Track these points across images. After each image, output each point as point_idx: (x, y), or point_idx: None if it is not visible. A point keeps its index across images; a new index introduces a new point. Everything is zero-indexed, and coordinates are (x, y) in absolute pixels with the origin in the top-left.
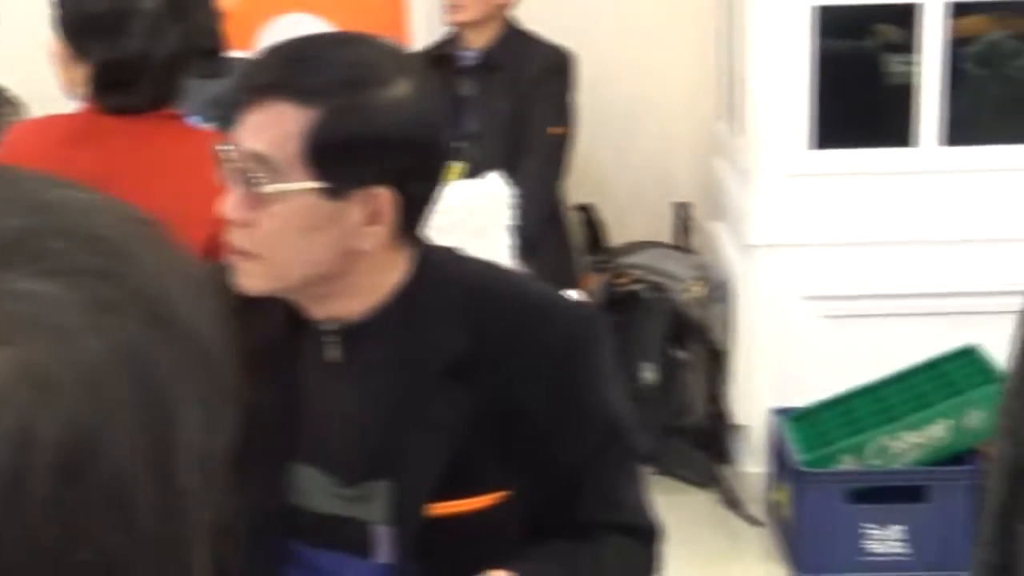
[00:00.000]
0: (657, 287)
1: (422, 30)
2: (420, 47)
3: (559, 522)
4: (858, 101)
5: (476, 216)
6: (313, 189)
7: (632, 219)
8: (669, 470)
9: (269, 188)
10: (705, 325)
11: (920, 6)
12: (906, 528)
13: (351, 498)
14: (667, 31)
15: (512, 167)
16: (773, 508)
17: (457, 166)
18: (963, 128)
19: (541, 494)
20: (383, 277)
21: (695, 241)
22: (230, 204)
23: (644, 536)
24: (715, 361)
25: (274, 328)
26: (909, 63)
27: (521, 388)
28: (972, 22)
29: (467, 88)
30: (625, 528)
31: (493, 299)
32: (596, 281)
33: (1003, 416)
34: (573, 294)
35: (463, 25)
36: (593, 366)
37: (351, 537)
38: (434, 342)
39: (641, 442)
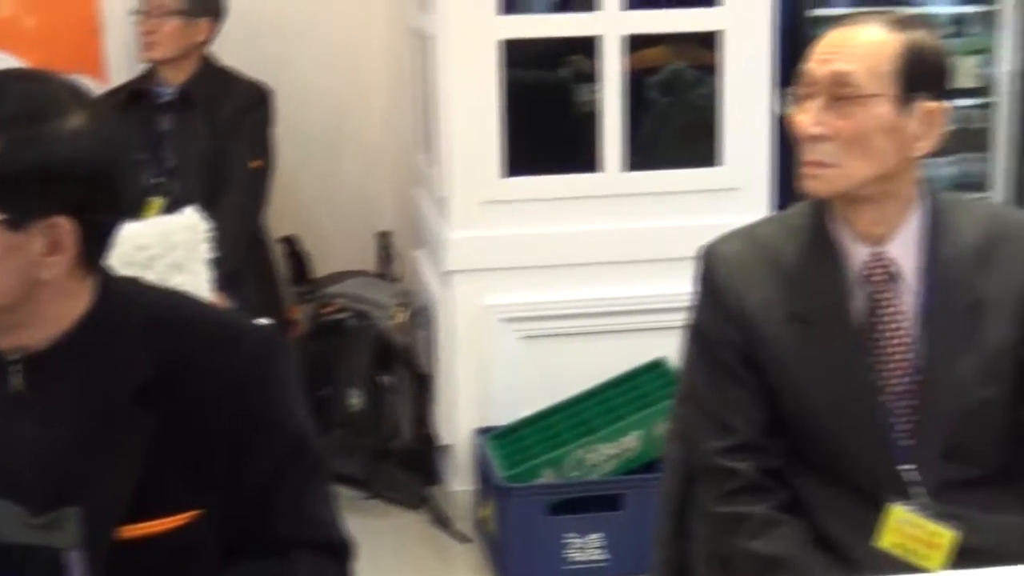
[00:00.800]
0: (362, 315)
1: (119, 67)
2: (117, 83)
3: (251, 540)
4: (547, 130)
5: (174, 251)
6: None
7: (336, 249)
8: (380, 493)
9: None
10: (409, 350)
11: (600, 38)
12: (604, 535)
13: (41, 526)
14: (363, 65)
15: (212, 201)
16: (480, 524)
17: (156, 201)
18: (648, 153)
19: (232, 512)
20: (66, 306)
21: (398, 269)
22: None
23: (336, 553)
24: (420, 384)
25: None
26: (594, 92)
27: (207, 409)
28: (655, 53)
29: (165, 124)
30: (317, 545)
31: (176, 325)
32: (302, 311)
33: (674, 422)
34: (264, 321)
35: (159, 62)
36: (276, 386)
37: (43, 565)
38: (118, 369)
39: (351, 466)
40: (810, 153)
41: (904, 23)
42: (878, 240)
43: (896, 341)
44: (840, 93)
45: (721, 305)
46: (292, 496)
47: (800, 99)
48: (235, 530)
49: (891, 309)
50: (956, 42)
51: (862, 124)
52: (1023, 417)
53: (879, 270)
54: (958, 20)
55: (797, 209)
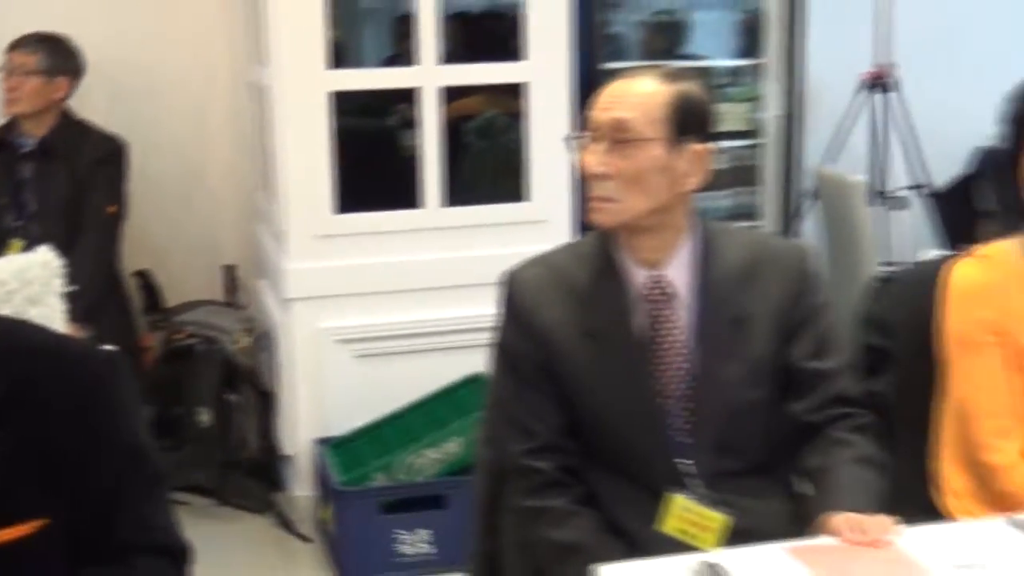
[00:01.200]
0: (210, 340)
1: None
2: None
3: (96, 547)
4: (375, 171)
5: (29, 286)
6: None
7: (185, 281)
8: (229, 500)
9: None
10: (254, 370)
11: (419, 90)
12: (431, 531)
13: None
14: (208, 116)
15: (70, 243)
16: (320, 525)
17: (16, 242)
18: (465, 190)
19: (78, 519)
20: None
21: (242, 298)
22: None
23: (175, 556)
24: (264, 401)
25: None
26: (416, 138)
27: (52, 424)
28: (472, 102)
29: (27, 172)
30: (157, 549)
31: (25, 351)
32: (155, 338)
33: (484, 428)
34: (109, 347)
35: (21, 116)
36: (114, 401)
37: None
38: None
39: (203, 477)
40: (595, 190)
41: (674, 76)
42: (656, 264)
43: (673, 352)
44: (620, 137)
45: (522, 324)
46: (133, 505)
47: (586, 142)
48: (81, 538)
49: (668, 324)
50: (731, 91)
51: (639, 164)
52: (782, 416)
53: (657, 291)
54: (734, 72)
55: (587, 238)
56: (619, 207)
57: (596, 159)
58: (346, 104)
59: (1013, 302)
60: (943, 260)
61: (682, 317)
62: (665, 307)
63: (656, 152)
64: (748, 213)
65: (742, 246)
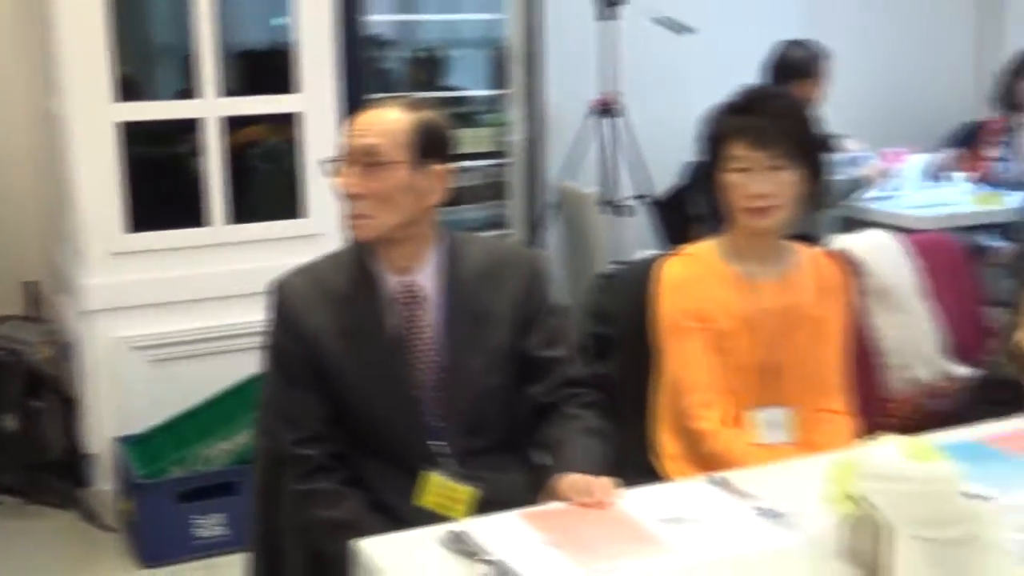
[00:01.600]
0: (13, 352)
1: None
2: None
3: None
4: (165, 193)
5: None
6: None
7: None
8: (37, 498)
9: None
10: (57, 378)
11: (203, 120)
12: (224, 515)
13: None
14: (10, 141)
15: None
16: (123, 516)
17: None
18: (249, 209)
19: None
20: None
21: (44, 311)
22: None
23: None
24: (68, 406)
25: None
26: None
27: None
28: (256, 130)
29: None
30: None
31: None
32: None
33: (260, 421)
34: None
35: None
36: None
37: None
38: None
39: (11, 478)
40: (351, 208)
41: (417, 105)
42: (407, 271)
43: (424, 347)
44: (370, 161)
45: (288, 326)
46: None
47: (341, 166)
48: None
49: (419, 323)
50: (484, 117)
51: (387, 184)
52: (521, 398)
53: (408, 294)
54: (488, 100)
55: (344, 249)
56: (373, 223)
57: (351, 181)
58: (139, 132)
59: (712, 293)
60: (655, 259)
61: (431, 316)
62: (416, 308)
63: (402, 173)
64: (498, 223)
65: (482, 251)
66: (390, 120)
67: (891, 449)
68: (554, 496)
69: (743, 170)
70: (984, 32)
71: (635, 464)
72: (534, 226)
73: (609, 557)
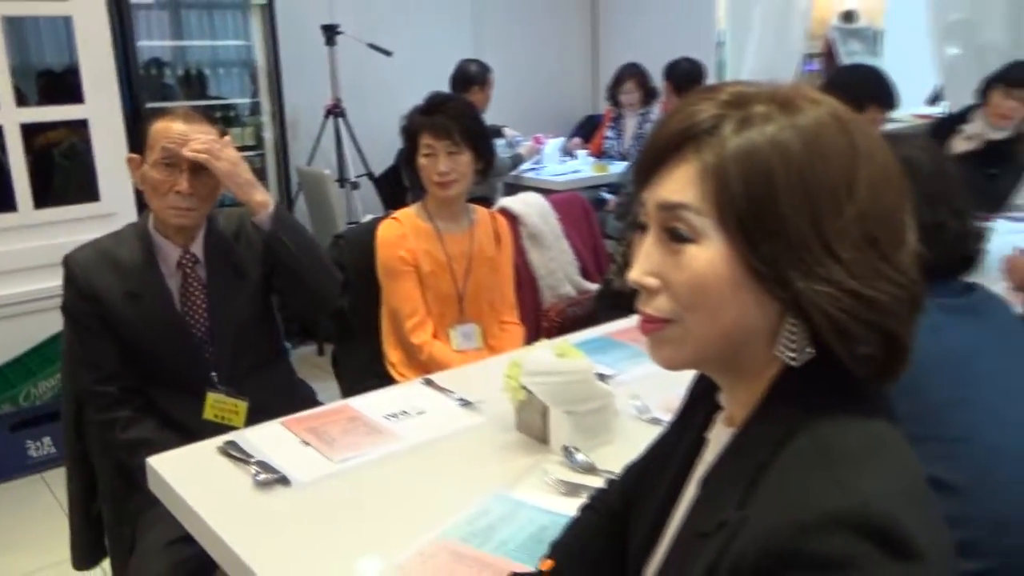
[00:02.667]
0: None
1: None
2: None
3: None
4: None
5: None
6: None
7: None
8: None
9: None
10: None
11: (2, 126)
12: (51, 438)
13: None
14: None
15: None
16: None
17: None
18: (55, 195)
19: None
20: None
21: None
22: None
23: None
24: None
25: None
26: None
27: None
28: (59, 132)
29: None
30: None
31: None
32: None
33: (63, 365)
34: None
35: None
36: None
37: None
38: None
39: None
40: (179, 201)
41: (200, 115)
42: (187, 242)
43: (198, 299)
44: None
45: (80, 289)
46: None
47: (162, 166)
48: None
49: (194, 281)
50: (246, 119)
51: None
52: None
53: (186, 260)
54: (247, 106)
55: (126, 228)
56: (196, 214)
57: (181, 183)
58: None
59: (416, 244)
60: (376, 220)
61: (202, 275)
62: (191, 271)
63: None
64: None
65: (226, 219)
66: (203, 129)
67: (545, 351)
68: None
69: (430, 155)
70: (596, 48)
71: (373, 372)
72: (288, 203)
73: (349, 447)
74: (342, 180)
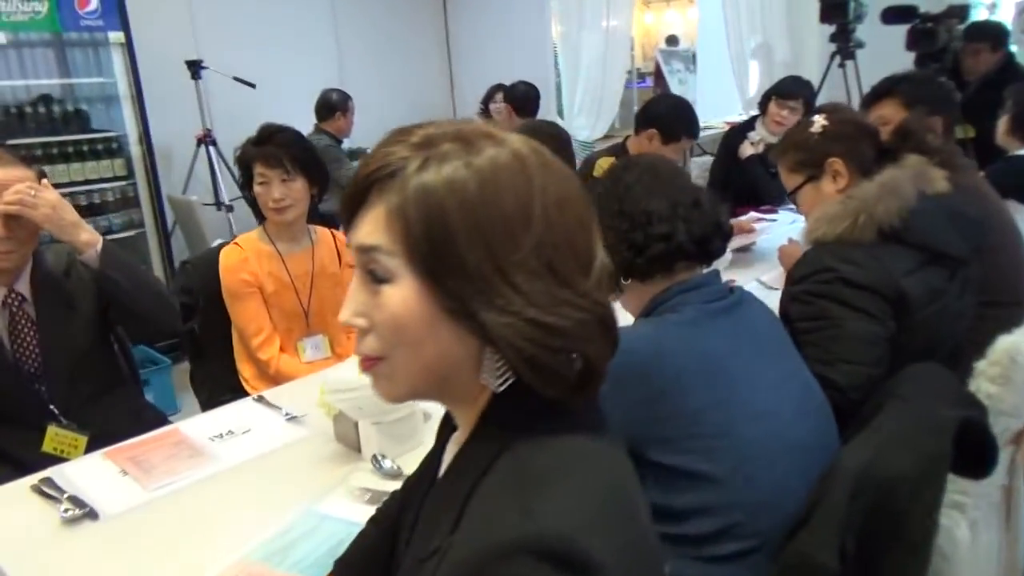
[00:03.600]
0: None
1: None
2: None
3: None
4: None
5: None
6: None
7: None
8: None
9: None
10: None
11: None
12: None
13: None
14: None
15: None
16: None
17: None
18: None
19: None
20: None
21: None
22: None
23: None
24: None
25: None
26: None
27: None
28: None
29: None
30: None
31: None
32: None
33: None
34: None
35: None
36: None
37: None
38: None
39: None
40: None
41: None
42: (10, 283)
43: (30, 338)
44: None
45: None
46: None
47: None
48: None
49: (24, 320)
50: (118, 149)
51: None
52: (108, 354)
53: (12, 299)
54: (119, 138)
55: None
56: (16, 256)
57: (1, 231)
58: None
59: (256, 267)
60: (221, 246)
61: (30, 312)
62: (17, 310)
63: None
64: (133, 225)
65: (59, 254)
66: (17, 176)
67: (349, 367)
68: None
69: (264, 183)
70: (452, 72)
71: (228, 387)
72: (164, 227)
73: (167, 474)
74: (218, 204)
